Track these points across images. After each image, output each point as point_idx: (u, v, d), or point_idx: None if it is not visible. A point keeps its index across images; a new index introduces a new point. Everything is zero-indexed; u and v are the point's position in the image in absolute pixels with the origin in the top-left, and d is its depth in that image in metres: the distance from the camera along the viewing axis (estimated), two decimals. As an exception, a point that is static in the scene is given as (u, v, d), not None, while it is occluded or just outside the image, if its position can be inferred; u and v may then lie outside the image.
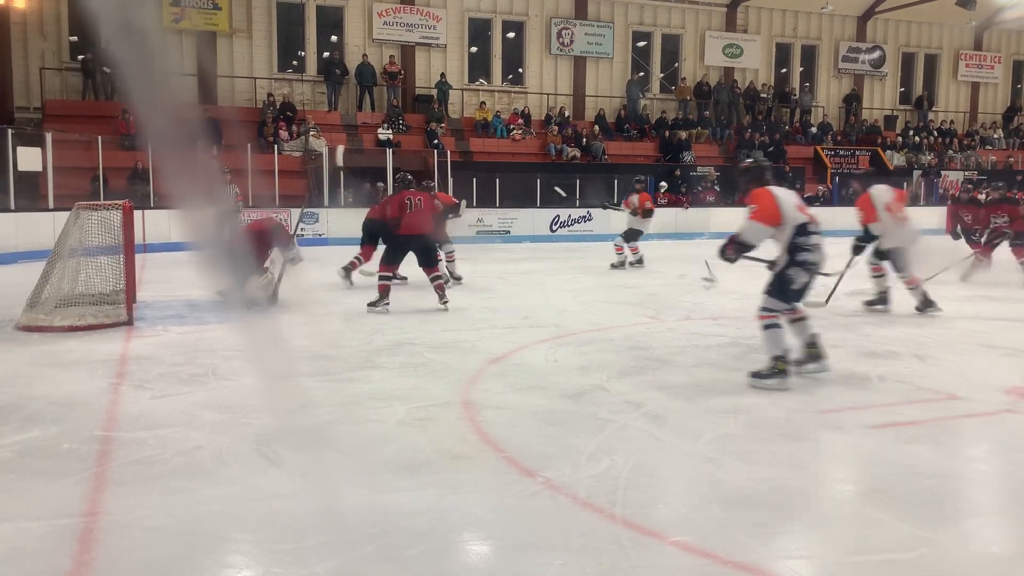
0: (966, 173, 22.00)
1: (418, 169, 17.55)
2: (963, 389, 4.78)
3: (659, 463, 3.52)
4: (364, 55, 19.87)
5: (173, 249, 12.43)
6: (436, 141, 18.81)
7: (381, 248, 8.21)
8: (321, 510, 3.04)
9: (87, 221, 6.93)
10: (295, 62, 20.21)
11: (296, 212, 15.21)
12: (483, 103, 21.03)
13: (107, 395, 4.60)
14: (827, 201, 20.98)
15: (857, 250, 7.37)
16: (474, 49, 21.68)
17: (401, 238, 7.58)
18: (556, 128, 20.58)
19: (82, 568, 2.57)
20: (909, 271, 7.38)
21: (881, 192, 7.46)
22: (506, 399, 4.55)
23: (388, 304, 7.38)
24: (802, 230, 4.74)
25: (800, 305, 4.97)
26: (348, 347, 5.96)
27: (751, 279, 7.37)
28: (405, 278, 9.17)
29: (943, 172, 23.03)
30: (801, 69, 24.83)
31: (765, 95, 23.57)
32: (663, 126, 21.70)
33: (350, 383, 4.93)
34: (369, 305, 7.40)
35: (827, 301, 7.03)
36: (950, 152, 24.44)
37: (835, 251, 7.53)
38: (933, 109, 25.96)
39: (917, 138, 24.30)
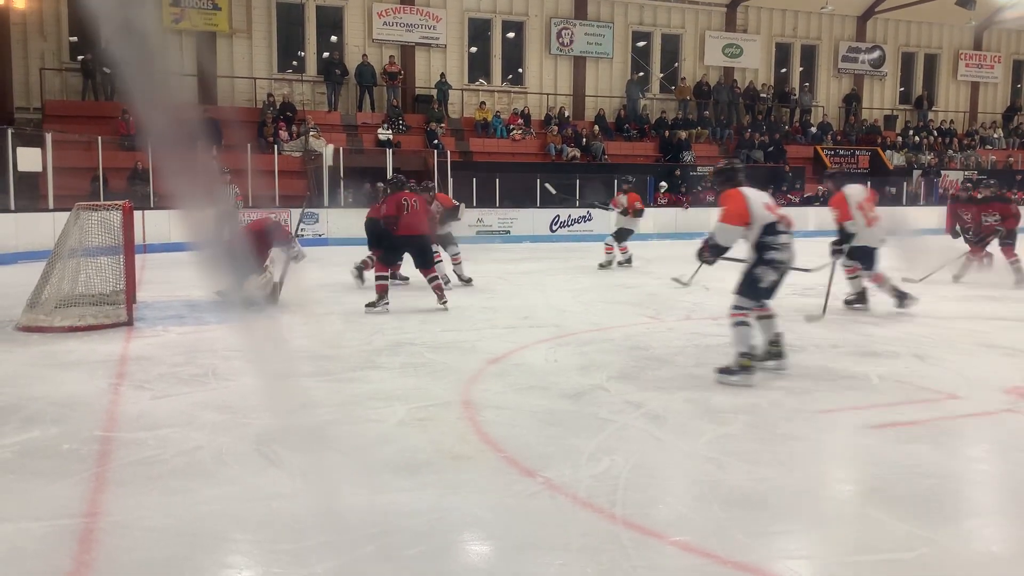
0: (966, 173, 22.00)
1: (418, 169, 17.57)
2: (963, 389, 4.78)
3: (659, 463, 3.52)
4: (364, 55, 19.87)
5: (173, 249, 12.44)
6: (436, 141, 18.81)
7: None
8: (321, 510, 3.04)
9: (87, 221, 6.93)
10: (295, 62, 20.21)
11: (296, 212, 15.26)
12: (483, 103, 21.03)
13: (107, 395, 4.60)
14: (827, 201, 20.98)
15: (837, 254, 7.35)
16: (474, 49, 21.68)
17: (399, 239, 7.58)
18: (556, 128, 20.58)
19: (82, 568, 2.58)
20: (875, 270, 7.43)
21: (855, 191, 7.51)
22: (506, 399, 4.55)
23: (388, 304, 7.38)
24: (770, 229, 4.84)
25: (769, 303, 5.09)
26: (348, 347, 5.96)
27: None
28: (407, 279, 9.17)
29: (943, 172, 23.04)
30: (801, 69, 24.83)
31: (765, 95, 23.57)
32: (663, 126, 21.70)
33: (350, 383, 4.93)
34: (368, 306, 7.39)
35: (823, 312, 7.02)
36: (950, 152, 24.44)
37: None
38: (933, 109, 25.97)
39: (917, 138, 24.30)
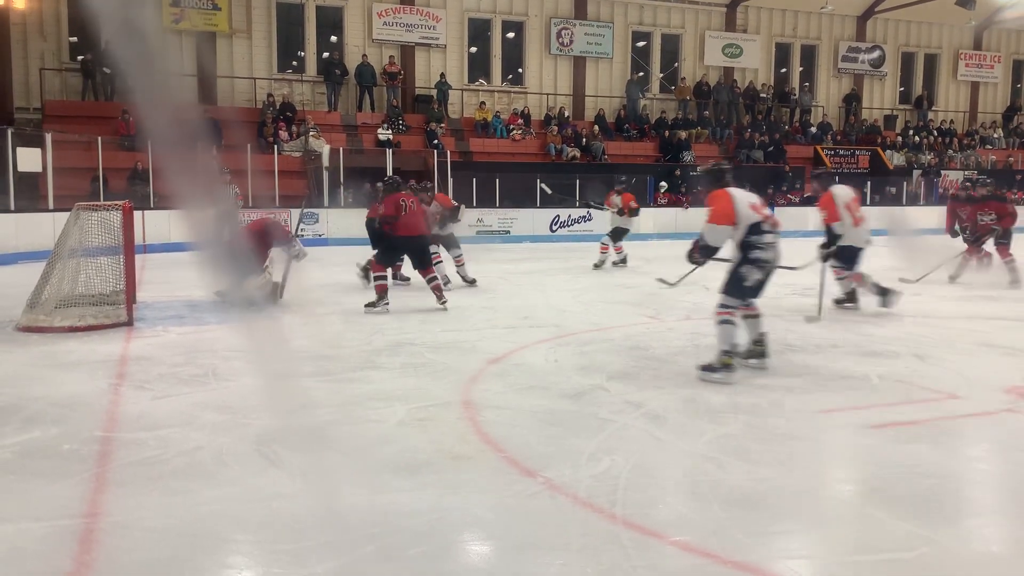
0: (966, 173, 22.00)
1: (418, 169, 17.56)
2: (963, 389, 4.78)
3: (659, 463, 3.52)
4: (364, 55, 19.87)
5: (173, 250, 12.44)
6: (436, 141, 18.81)
7: None
8: (321, 510, 3.04)
9: (87, 222, 6.93)
10: (295, 62, 20.21)
11: (296, 212, 15.26)
12: (483, 103, 21.04)
13: (107, 396, 4.60)
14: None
15: (826, 257, 7.37)
16: (474, 49, 21.68)
17: (397, 240, 7.57)
18: (556, 128, 20.58)
19: (83, 569, 2.58)
20: (855, 270, 7.45)
21: (842, 191, 7.52)
22: (506, 399, 4.56)
23: (388, 304, 7.38)
24: (755, 229, 4.92)
25: (755, 302, 5.17)
26: (348, 347, 5.96)
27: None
28: (407, 279, 9.16)
29: (943, 172, 23.04)
30: (801, 69, 24.83)
31: (765, 95, 23.57)
32: (663, 126, 21.70)
33: (350, 383, 4.93)
34: (367, 306, 7.39)
35: (820, 313, 7.03)
36: (950, 152, 24.45)
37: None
38: (933, 109, 25.97)
39: (917, 138, 24.31)
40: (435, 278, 7.76)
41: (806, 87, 24.53)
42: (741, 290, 4.99)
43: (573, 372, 5.18)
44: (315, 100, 20.00)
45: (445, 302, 7.57)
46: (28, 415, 4.17)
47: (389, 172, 16.69)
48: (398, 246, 7.65)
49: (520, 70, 22.13)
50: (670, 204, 19.04)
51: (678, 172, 19.97)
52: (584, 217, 18.00)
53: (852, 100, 24.84)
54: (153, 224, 13.35)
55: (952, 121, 25.76)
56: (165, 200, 13.88)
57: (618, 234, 11.31)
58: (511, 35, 21.95)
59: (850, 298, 7.66)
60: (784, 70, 24.80)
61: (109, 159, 15.23)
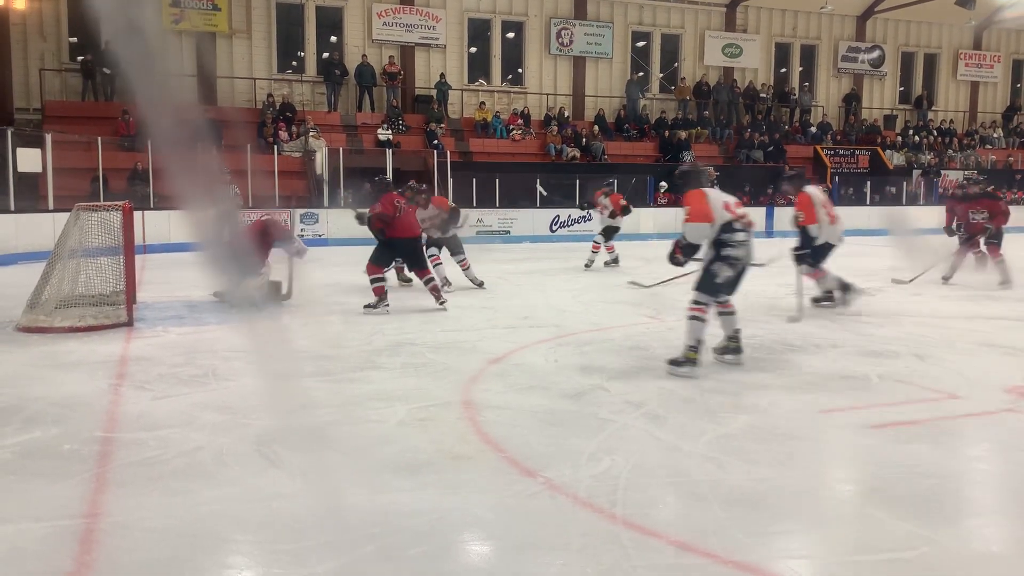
0: (966, 172, 22.01)
1: (418, 170, 17.56)
2: (963, 388, 4.78)
3: (659, 463, 3.52)
4: (364, 55, 19.88)
5: (173, 250, 12.45)
6: (436, 141, 18.82)
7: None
8: (322, 510, 3.05)
9: (87, 222, 6.94)
10: (295, 63, 20.22)
11: (296, 212, 15.28)
12: (483, 103, 21.04)
13: (107, 396, 4.60)
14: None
15: (800, 259, 7.36)
16: (473, 49, 21.68)
17: (394, 241, 7.54)
18: (556, 128, 20.58)
19: (83, 569, 2.58)
20: (820, 267, 7.49)
21: (816, 192, 7.57)
22: (506, 399, 4.56)
23: (388, 305, 7.37)
24: (728, 228, 5.09)
25: (730, 299, 5.31)
26: (348, 347, 5.96)
27: (748, 279, 7.38)
28: (410, 280, 9.13)
29: (943, 171, 23.05)
30: (800, 69, 24.84)
31: (765, 95, 23.58)
32: (663, 126, 21.70)
33: (350, 383, 4.93)
34: (366, 307, 7.38)
35: (800, 316, 7.05)
36: (950, 151, 24.45)
37: (838, 250, 7.57)
38: (933, 108, 25.97)
39: (917, 137, 24.31)
40: (432, 279, 7.76)
41: (806, 87, 24.53)
42: (713, 287, 5.15)
43: (573, 372, 5.18)
44: (315, 100, 20.01)
45: (444, 302, 7.57)
46: (28, 415, 4.17)
47: (389, 172, 16.70)
48: (394, 247, 7.62)
49: (520, 70, 22.13)
50: (670, 204, 19.03)
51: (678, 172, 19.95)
52: (584, 217, 18.00)
53: (852, 100, 24.84)
54: (153, 224, 13.35)
55: (952, 121, 25.77)
56: (165, 200, 13.89)
57: (609, 232, 11.33)
58: (511, 35, 21.95)
59: (827, 297, 7.65)
60: (784, 70, 24.81)
61: (109, 159, 15.23)
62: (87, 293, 6.89)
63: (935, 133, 24.94)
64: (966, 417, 4.28)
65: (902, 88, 26.16)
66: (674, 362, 5.08)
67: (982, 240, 9.63)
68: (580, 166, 19.73)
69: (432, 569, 2.59)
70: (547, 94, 22.05)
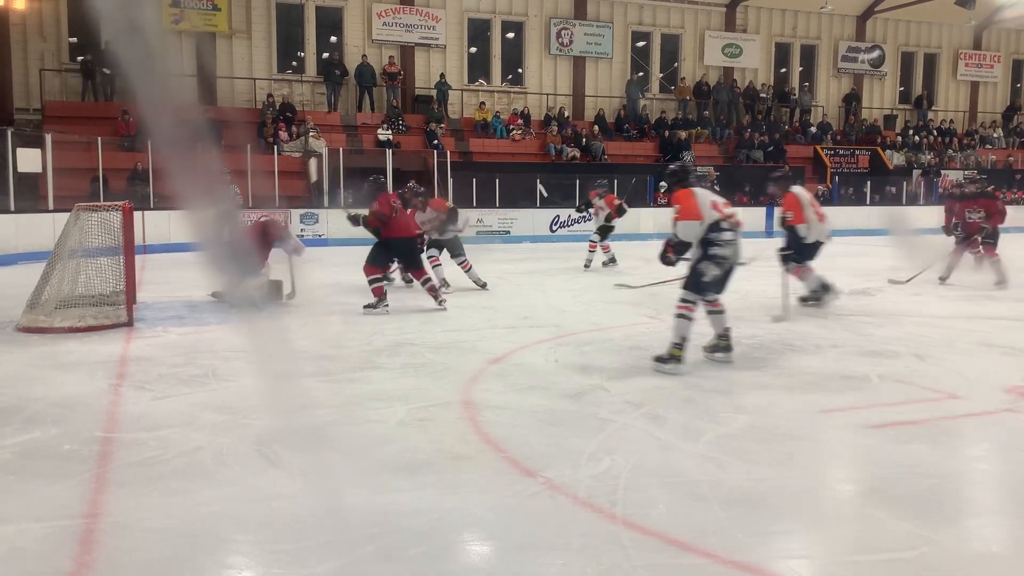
0: (966, 172, 22.02)
1: (418, 170, 17.56)
2: (963, 388, 4.78)
3: (659, 463, 3.52)
4: (363, 56, 19.88)
5: (173, 250, 12.45)
6: (436, 141, 18.82)
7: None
8: (322, 511, 3.05)
9: (87, 222, 6.93)
10: (294, 63, 20.22)
11: (295, 213, 15.30)
12: (483, 103, 21.04)
13: (107, 396, 4.60)
14: (827, 200, 20.99)
15: (786, 259, 7.37)
16: (473, 49, 21.69)
17: (391, 241, 7.53)
18: (556, 128, 20.58)
19: (83, 569, 2.58)
20: (807, 264, 7.52)
21: (802, 192, 7.61)
22: (506, 399, 4.56)
23: (387, 305, 7.36)
24: (715, 227, 5.16)
25: (719, 297, 5.37)
26: (348, 348, 5.96)
27: (747, 280, 7.40)
28: (411, 281, 9.11)
29: (943, 171, 23.05)
30: (800, 69, 24.85)
31: (765, 95, 23.58)
32: (663, 126, 21.70)
33: (350, 384, 4.93)
34: (366, 307, 7.37)
35: (785, 316, 7.06)
36: (950, 151, 24.46)
37: (836, 250, 7.59)
38: (933, 108, 25.98)
39: (917, 137, 24.32)
40: (429, 279, 7.76)
41: (806, 87, 24.54)
42: (700, 286, 5.21)
43: (573, 372, 5.18)
44: (315, 100, 20.01)
45: (443, 301, 7.57)
46: (28, 415, 4.17)
47: (389, 173, 16.71)
48: (391, 247, 7.60)
49: (520, 70, 22.13)
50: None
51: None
52: (584, 217, 18.00)
53: (852, 100, 24.85)
54: (153, 225, 13.35)
55: (952, 121, 25.77)
56: (165, 200, 13.89)
57: (604, 232, 11.34)
58: (511, 35, 21.96)
59: (815, 296, 7.64)
60: (784, 70, 24.81)
61: (109, 159, 15.24)
62: (87, 293, 6.89)
63: (935, 133, 24.95)
64: (966, 417, 4.28)
65: (902, 88, 26.16)
66: (659, 359, 5.18)
67: (980, 239, 9.58)
68: (580, 166, 19.73)
69: (432, 569, 2.59)
70: (547, 94, 22.05)
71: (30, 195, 13.49)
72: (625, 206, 11.44)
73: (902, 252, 9.87)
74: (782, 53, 24.62)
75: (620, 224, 11.63)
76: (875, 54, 25.22)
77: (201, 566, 2.65)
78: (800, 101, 24.11)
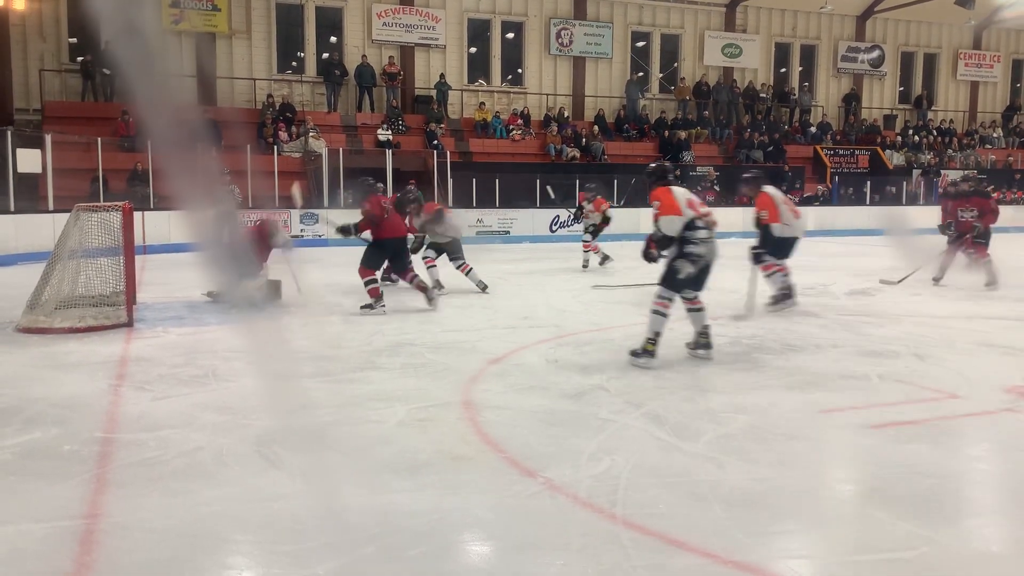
0: (965, 172, 22.02)
1: (418, 170, 17.56)
2: (963, 388, 4.78)
3: (659, 463, 3.52)
4: (363, 56, 19.88)
5: (173, 250, 12.45)
6: (436, 142, 18.82)
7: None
8: (322, 511, 3.05)
9: (87, 223, 6.93)
10: (294, 63, 20.22)
11: (295, 213, 15.29)
12: (482, 104, 21.05)
13: (107, 397, 4.60)
14: (827, 200, 21.01)
15: (757, 258, 7.40)
16: (473, 50, 21.69)
17: (384, 241, 7.53)
18: (555, 128, 20.58)
19: (83, 570, 2.58)
20: (784, 261, 7.55)
21: (775, 191, 7.64)
22: (506, 399, 4.56)
23: (384, 306, 7.36)
24: (691, 225, 5.24)
25: (698, 295, 5.46)
26: (348, 348, 5.96)
27: (748, 280, 7.40)
28: (395, 281, 9.07)
29: (943, 171, 23.05)
30: (800, 69, 24.85)
31: (764, 95, 23.59)
32: (662, 126, 21.71)
33: (350, 384, 4.93)
34: (363, 307, 7.37)
35: (748, 311, 7.08)
36: (949, 151, 24.46)
37: (836, 250, 7.58)
38: (932, 108, 25.99)
39: (916, 137, 24.32)
40: (416, 275, 7.81)
41: (806, 87, 24.54)
42: (675, 283, 5.28)
43: (573, 372, 5.18)
44: (315, 101, 20.02)
45: (432, 300, 7.58)
46: (28, 416, 4.17)
47: (389, 173, 16.72)
48: (385, 247, 7.60)
49: (520, 70, 22.14)
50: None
51: (678, 172, 19.94)
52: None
53: (852, 100, 24.86)
54: (153, 225, 13.35)
55: (952, 121, 25.78)
56: (165, 201, 13.89)
57: (597, 231, 11.39)
58: (510, 35, 21.96)
59: (782, 296, 7.57)
60: (784, 70, 24.82)
61: (109, 160, 15.23)
62: (87, 294, 6.89)
63: (935, 133, 24.96)
64: (966, 417, 4.28)
65: (902, 88, 26.17)
66: (634, 352, 5.30)
67: (971, 239, 9.39)
68: (580, 166, 19.73)
69: (432, 569, 2.59)
70: (547, 94, 22.05)
71: (30, 195, 13.49)
72: (610, 215, 11.49)
73: (900, 252, 9.87)
74: (782, 53, 24.63)
75: (620, 224, 11.64)
76: (875, 54, 25.23)
77: (201, 566, 2.65)
78: (800, 101, 24.12)
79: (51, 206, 13.29)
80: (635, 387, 4.78)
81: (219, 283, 7.39)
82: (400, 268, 7.82)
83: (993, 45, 26.84)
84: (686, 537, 2.79)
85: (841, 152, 22.99)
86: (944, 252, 9.49)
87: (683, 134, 21.45)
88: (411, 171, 17.43)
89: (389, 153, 17.60)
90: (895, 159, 23.33)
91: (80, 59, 17.96)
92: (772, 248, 7.47)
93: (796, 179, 21.39)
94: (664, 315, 5.29)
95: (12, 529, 2.87)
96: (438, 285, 8.69)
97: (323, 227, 15.85)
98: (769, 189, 7.63)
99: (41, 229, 11.99)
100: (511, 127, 20.52)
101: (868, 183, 21.89)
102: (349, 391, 4.76)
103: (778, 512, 3.04)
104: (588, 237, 11.44)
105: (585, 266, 11.36)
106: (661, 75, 23.57)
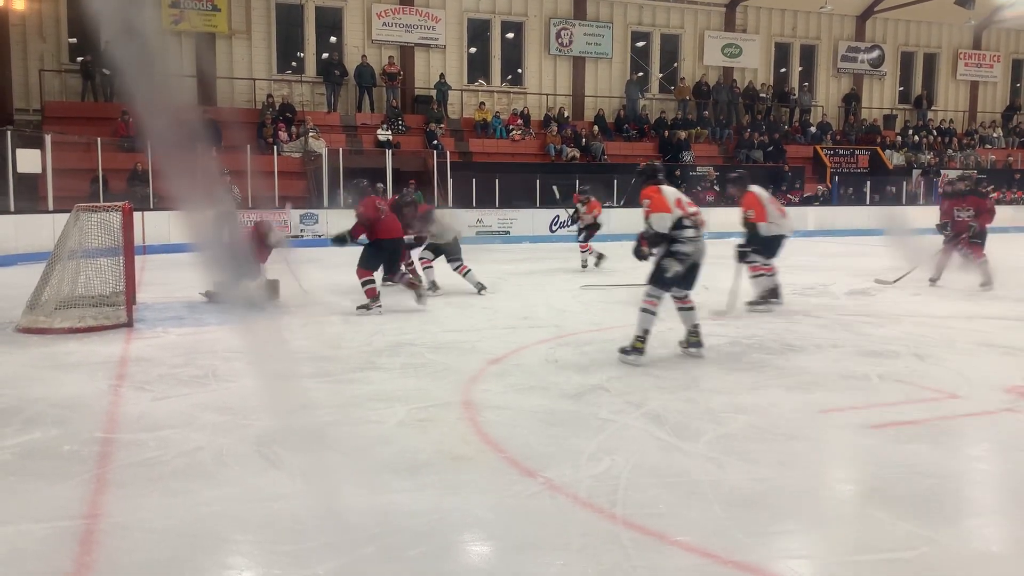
0: (965, 172, 22.01)
1: (418, 170, 17.55)
2: (963, 388, 4.78)
3: (659, 463, 3.52)
4: (363, 56, 19.88)
5: (173, 251, 12.45)
6: (435, 142, 18.82)
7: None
8: (322, 511, 3.05)
9: (87, 223, 6.93)
10: (294, 63, 20.22)
11: (296, 213, 15.30)
12: (482, 104, 21.04)
13: (107, 397, 4.60)
14: (827, 200, 21.02)
15: (742, 256, 7.40)
16: (473, 50, 21.69)
17: (381, 242, 7.53)
18: (555, 128, 20.58)
19: (83, 570, 2.58)
20: (771, 263, 7.56)
21: (761, 191, 7.66)
22: (506, 399, 4.56)
23: (380, 306, 7.35)
24: (679, 224, 5.28)
25: (688, 294, 5.52)
26: (348, 348, 5.96)
27: (747, 280, 7.40)
28: (388, 282, 9.04)
29: (942, 171, 23.03)
30: (800, 69, 24.85)
31: (764, 95, 23.59)
32: (662, 126, 21.71)
33: (350, 384, 4.93)
34: (359, 308, 7.36)
35: (729, 309, 7.09)
36: (949, 151, 24.46)
37: (836, 250, 7.58)
38: (932, 108, 25.99)
39: (916, 137, 24.32)
40: (405, 273, 7.85)
41: (805, 87, 24.54)
42: (663, 281, 5.33)
43: (573, 372, 5.18)
44: (314, 101, 20.02)
45: (422, 298, 7.60)
46: (28, 416, 4.17)
47: (389, 173, 16.71)
48: (382, 248, 7.59)
49: (519, 70, 22.14)
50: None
51: (678, 172, 19.95)
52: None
53: (851, 100, 24.86)
54: (153, 225, 13.35)
55: (951, 120, 25.78)
56: (165, 201, 13.88)
57: (590, 233, 11.43)
58: (510, 35, 21.96)
59: (764, 299, 7.57)
60: (783, 70, 24.82)
61: (109, 160, 15.23)
62: (87, 294, 6.89)
63: (935, 133, 24.96)
64: (966, 417, 4.28)
65: (902, 88, 26.17)
66: (623, 350, 5.35)
67: (967, 238, 9.29)
68: (580, 166, 19.73)
69: (432, 569, 2.59)
70: (547, 94, 22.05)
71: (30, 196, 13.49)
72: (600, 222, 11.57)
73: (899, 252, 9.86)
74: (782, 53, 24.63)
75: (620, 224, 11.66)
76: (875, 54, 25.23)
77: (201, 566, 2.65)
78: (800, 101, 24.12)
79: (51, 206, 13.29)
80: (635, 387, 4.78)
81: (218, 283, 7.39)
82: (392, 271, 7.80)
83: (993, 45, 26.84)
84: (686, 537, 2.79)
85: (841, 152, 22.99)
86: (940, 252, 9.45)
87: (683, 134, 21.45)
88: (411, 171, 17.43)
89: (389, 153, 17.60)
90: (895, 159, 23.33)
91: (80, 59, 17.96)
92: (759, 247, 7.46)
93: (796, 179, 21.39)
94: (653, 313, 5.34)
95: (12, 529, 2.87)
96: (433, 286, 8.68)
97: (323, 227, 15.87)
98: (755, 188, 7.63)
99: (41, 229, 11.99)
100: (511, 127, 20.52)
101: (868, 183, 21.89)
102: (349, 391, 4.76)
103: (778, 512, 3.04)
104: (582, 237, 11.47)
105: (584, 266, 11.37)
106: (661, 75, 23.57)
